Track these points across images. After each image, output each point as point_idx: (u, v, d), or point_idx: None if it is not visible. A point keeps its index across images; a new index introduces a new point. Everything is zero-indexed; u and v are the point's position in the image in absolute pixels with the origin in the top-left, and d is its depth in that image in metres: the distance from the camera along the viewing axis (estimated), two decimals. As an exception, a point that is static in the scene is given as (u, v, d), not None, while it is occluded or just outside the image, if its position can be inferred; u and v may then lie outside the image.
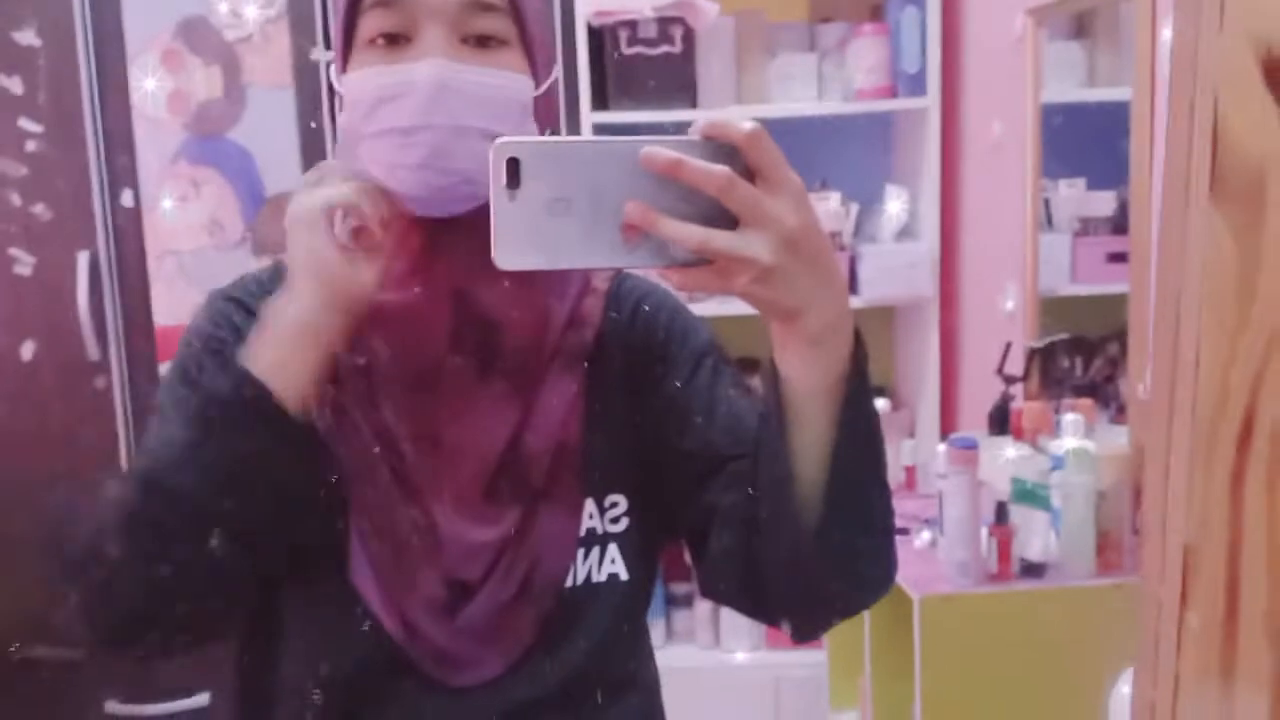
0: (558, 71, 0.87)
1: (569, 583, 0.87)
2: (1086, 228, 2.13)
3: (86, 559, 0.77)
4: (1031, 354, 2.19)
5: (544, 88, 0.84)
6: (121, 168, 2.30)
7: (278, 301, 0.78)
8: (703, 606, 2.75)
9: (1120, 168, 1.87)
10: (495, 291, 0.84)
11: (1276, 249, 0.53)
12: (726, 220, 0.65)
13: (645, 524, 0.90)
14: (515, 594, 0.85)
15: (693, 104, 2.56)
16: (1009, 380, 2.18)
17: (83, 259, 2.27)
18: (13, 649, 2.28)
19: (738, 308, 0.69)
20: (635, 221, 0.64)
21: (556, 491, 0.87)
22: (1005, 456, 1.93)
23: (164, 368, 2.31)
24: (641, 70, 2.52)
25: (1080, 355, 2.14)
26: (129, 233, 2.32)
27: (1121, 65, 1.96)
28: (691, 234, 0.64)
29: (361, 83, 0.80)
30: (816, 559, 0.75)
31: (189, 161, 2.39)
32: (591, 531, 0.88)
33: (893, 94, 2.59)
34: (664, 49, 2.53)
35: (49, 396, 2.32)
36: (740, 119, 0.66)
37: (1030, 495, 1.82)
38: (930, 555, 1.92)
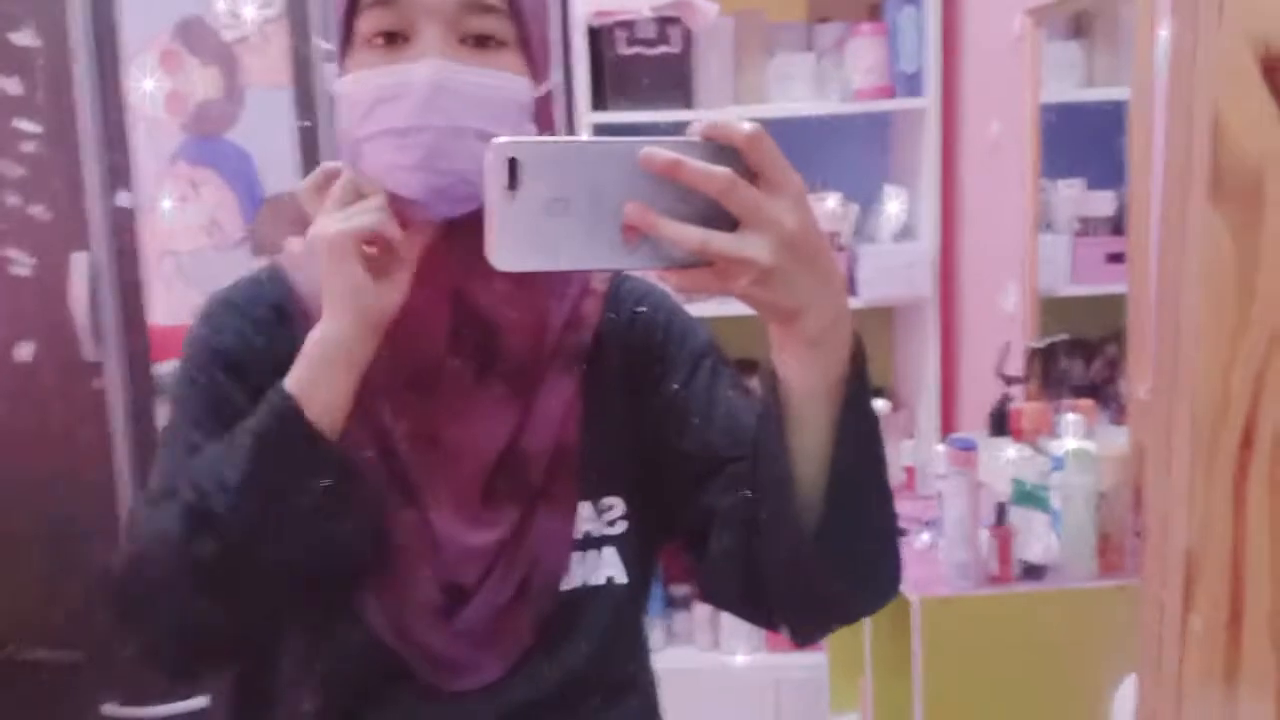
0: (557, 74, 0.87)
1: (567, 585, 0.86)
2: (1086, 228, 2.13)
3: (152, 607, 0.79)
4: (1031, 354, 2.18)
5: (543, 89, 0.84)
6: (118, 168, 2.29)
7: (314, 332, 0.78)
8: (702, 608, 2.75)
9: (1119, 168, 1.87)
10: (493, 293, 0.84)
11: (1275, 248, 0.53)
12: (726, 221, 0.64)
13: (643, 526, 0.90)
14: (512, 597, 0.84)
15: (691, 104, 2.56)
16: (1009, 381, 2.18)
17: (79, 260, 2.26)
18: (9, 648, 2.28)
19: (737, 308, 0.69)
20: (634, 222, 0.64)
21: (554, 493, 0.86)
22: (1005, 457, 1.92)
23: (160, 368, 2.30)
24: (640, 70, 2.52)
25: (1080, 356, 2.14)
26: (126, 233, 2.31)
27: (1120, 65, 1.96)
28: (691, 235, 0.64)
29: (359, 83, 0.80)
30: (816, 561, 0.75)
31: (187, 162, 2.39)
32: (589, 534, 0.88)
33: (891, 94, 2.59)
34: (662, 49, 2.52)
35: (46, 396, 2.31)
36: (739, 119, 0.65)
37: (1030, 496, 1.82)
38: (930, 557, 1.91)
